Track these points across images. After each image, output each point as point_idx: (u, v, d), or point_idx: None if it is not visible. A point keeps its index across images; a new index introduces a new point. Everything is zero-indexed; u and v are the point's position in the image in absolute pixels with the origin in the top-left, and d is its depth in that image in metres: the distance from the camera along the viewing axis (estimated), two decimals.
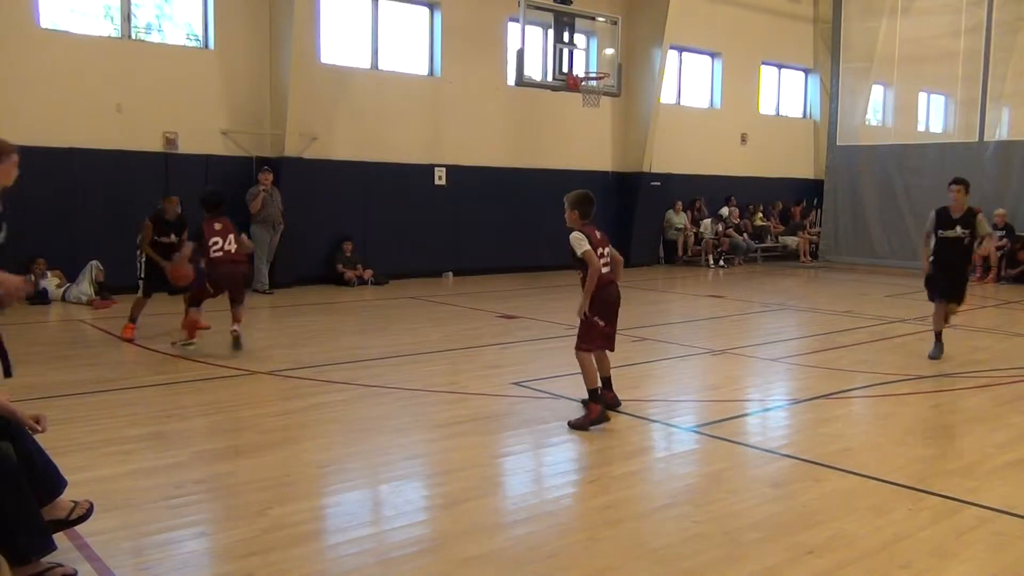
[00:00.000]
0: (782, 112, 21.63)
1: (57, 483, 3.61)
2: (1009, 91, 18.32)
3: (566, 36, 13.78)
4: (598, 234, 6.01)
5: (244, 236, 8.74)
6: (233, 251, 8.33)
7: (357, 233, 14.15)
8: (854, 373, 7.78)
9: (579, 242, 5.86)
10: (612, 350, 6.14)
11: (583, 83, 14.21)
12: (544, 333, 9.67)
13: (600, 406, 5.87)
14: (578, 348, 5.96)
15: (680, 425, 6.10)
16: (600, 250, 5.94)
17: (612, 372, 6.29)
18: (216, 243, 8.23)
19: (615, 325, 6.10)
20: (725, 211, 19.38)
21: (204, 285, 8.38)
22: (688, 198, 19.03)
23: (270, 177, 12.90)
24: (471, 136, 15.57)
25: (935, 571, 3.71)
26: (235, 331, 8.30)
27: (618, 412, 6.27)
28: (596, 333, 5.93)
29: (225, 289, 8.37)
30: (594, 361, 6.01)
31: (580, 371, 5.96)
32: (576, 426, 5.81)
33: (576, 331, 5.99)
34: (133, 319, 9.05)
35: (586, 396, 6.01)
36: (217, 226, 8.32)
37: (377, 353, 8.45)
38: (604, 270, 5.91)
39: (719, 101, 19.87)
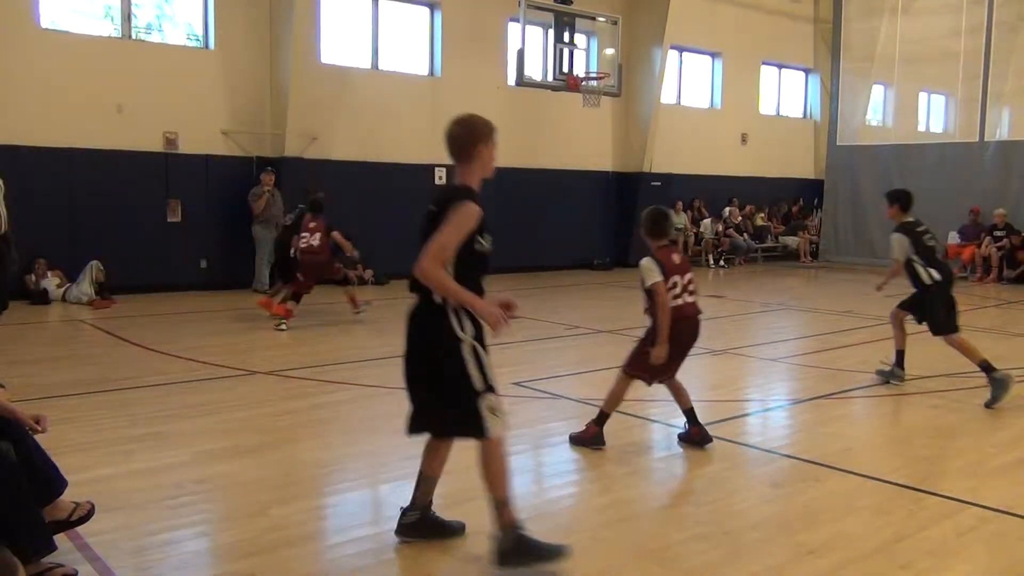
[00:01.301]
0: (782, 112, 21.62)
1: (57, 483, 3.60)
2: (1010, 91, 18.30)
3: (566, 36, 13.78)
4: (676, 258, 5.25)
5: (336, 234, 10.29)
6: (315, 245, 10.02)
7: (357, 233, 14.12)
8: (854, 373, 7.77)
9: (648, 272, 5.11)
10: (672, 378, 5.44)
11: (583, 83, 14.21)
12: (544, 333, 9.67)
13: (598, 429, 5.37)
14: (625, 370, 5.37)
15: (680, 425, 6.09)
16: (676, 278, 5.17)
17: (612, 374, 6.15)
18: (304, 237, 10.06)
19: (682, 360, 5.39)
20: (727, 211, 19.39)
21: (297, 278, 10.12)
22: (688, 198, 19.03)
23: (272, 178, 12.90)
24: None
25: (935, 571, 3.71)
26: (358, 311, 10.41)
27: (618, 412, 6.26)
28: (655, 367, 5.22)
29: (310, 276, 10.11)
30: (628, 390, 5.41)
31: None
32: (575, 440, 5.43)
33: (631, 354, 5.41)
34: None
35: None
36: (312, 224, 10.10)
37: (377, 353, 8.45)
38: (678, 301, 5.16)
39: (719, 101, 19.86)
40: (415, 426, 3.76)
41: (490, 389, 3.56)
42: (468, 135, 3.71)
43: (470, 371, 3.54)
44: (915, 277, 7.12)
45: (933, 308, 7.07)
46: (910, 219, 7.21)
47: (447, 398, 3.57)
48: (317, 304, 12.05)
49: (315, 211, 10.28)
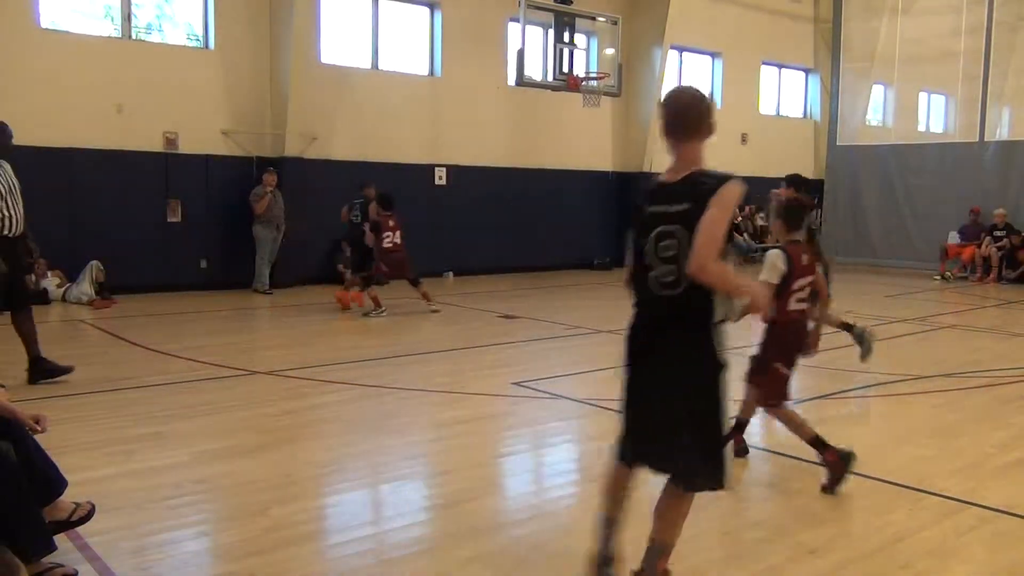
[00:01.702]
0: (782, 112, 21.61)
1: (58, 483, 3.60)
2: (1010, 91, 18.31)
3: (566, 36, 13.79)
4: (806, 259, 4.69)
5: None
6: (398, 243, 10.67)
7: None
8: (854, 373, 7.77)
9: (771, 269, 4.57)
10: (787, 399, 4.89)
11: (583, 83, 14.21)
12: (544, 333, 9.67)
13: (836, 455, 4.61)
14: (768, 407, 4.89)
15: None
16: (801, 281, 4.67)
17: (612, 374, 6.05)
18: (388, 236, 10.61)
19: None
20: None
21: (379, 269, 10.73)
22: None
23: (275, 179, 12.89)
24: (471, 136, 15.57)
25: (935, 571, 3.70)
26: (433, 309, 10.89)
27: (618, 412, 6.25)
28: (783, 383, 4.78)
29: (394, 271, 10.74)
30: (791, 414, 4.82)
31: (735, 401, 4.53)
32: (831, 487, 4.60)
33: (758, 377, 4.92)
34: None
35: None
36: (391, 223, 10.67)
37: (377, 353, 8.46)
38: (799, 306, 4.71)
39: (719, 101, 19.82)
40: (646, 460, 3.25)
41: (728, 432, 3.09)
42: (703, 106, 3.13)
43: (724, 408, 3.05)
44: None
45: None
46: None
47: (699, 441, 3.05)
48: (316, 304, 12.06)
49: (387, 206, 10.75)
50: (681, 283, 2.99)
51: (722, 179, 2.97)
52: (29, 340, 6.80)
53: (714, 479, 3.10)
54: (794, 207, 4.82)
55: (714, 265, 2.88)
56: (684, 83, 3.21)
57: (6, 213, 6.46)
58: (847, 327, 7.14)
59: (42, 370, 6.78)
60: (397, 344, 8.95)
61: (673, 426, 3.09)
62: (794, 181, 7.90)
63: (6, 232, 6.45)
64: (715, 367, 3.03)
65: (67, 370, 6.85)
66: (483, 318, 10.90)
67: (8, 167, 6.64)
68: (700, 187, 2.98)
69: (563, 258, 17.05)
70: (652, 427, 3.18)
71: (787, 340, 4.78)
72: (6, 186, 6.49)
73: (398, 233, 10.69)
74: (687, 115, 3.11)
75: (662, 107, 3.16)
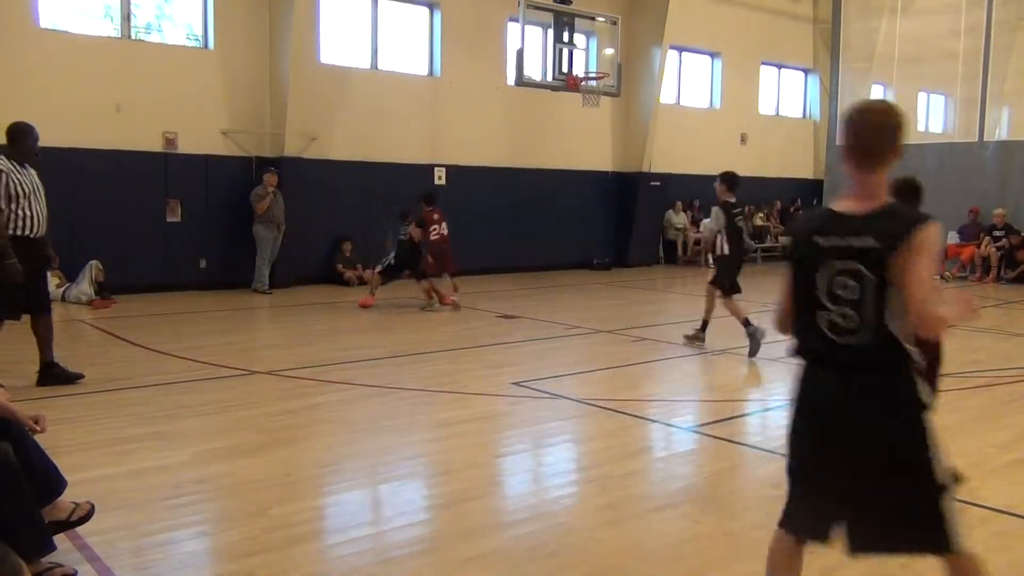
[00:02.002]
0: (782, 112, 21.62)
1: (57, 483, 3.60)
2: (1009, 91, 18.32)
3: (566, 36, 13.79)
4: None
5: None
6: (445, 234, 11.12)
7: (357, 233, 14.15)
8: None
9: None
10: None
11: (583, 83, 14.21)
12: (544, 333, 9.67)
13: None
14: None
15: (680, 425, 6.10)
16: None
17: (612, 374, 6.09)
18: (435, 229, 11.09)
19: None
20: None
21: (428, 262, 11.19)
22: (688, 198, 19.04)
23: (275, 179, 12.88)
24: (471, 136, 15.57)
25: (935, 571, 3.69)
26: (454, 301, 11.11)
27: (617, 412, 6.27)
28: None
29: (441, 262, 11.24)
30: None
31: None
32: None
33: None
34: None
35: None
36: (436, 216, 11.14)
37: (377, 353, 8.46)
38: None
39: (719, 101, 19.86)
40: (861, 543, 2.68)
41: (949, 483, 2.66)
42: (897, 126, 2.66)
43: (934, 455, 2.66)
44: (714, 247, 8.77)
45: (720, 274, 8.62)
46: (731, 200, 8.69)
47: (898, 495, 2.61)
48: (316, 304, 12.06)
49: (430, 202, 11.23)
50: (863, 331, 2.56)
51: (918, 219, 2.55)
52: (44, 343, 6.79)
53: (931, 539, 2.61)
54: (907, 189, 4.30)
55: (935, 318, 2.46)
56: (871, 98, 2.61)
57: (28, 213, 6.47)
58: (746, 323, 8.16)
59: (54, 375, 6.77)
60: (397, 344, 8.95)
61: (887, 493, 2.63)
62: (727, 179, 8.76)
63: (27, 233, 6.46)
64: (917, 410, 2.65)
65: (78, 377, 6.84)
66: (483, 318, 10.90)
67: (32, 170, 6.65)
68: (892, 223, 2.57)
69: (563, 258, 17.06)
70: (859, 501, 2.64)
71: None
72: (29, 187, 6.51)
73: (444, 225, 11.17)
74: (882, 139, 2.68)
75: (848, 128, 2.73)
